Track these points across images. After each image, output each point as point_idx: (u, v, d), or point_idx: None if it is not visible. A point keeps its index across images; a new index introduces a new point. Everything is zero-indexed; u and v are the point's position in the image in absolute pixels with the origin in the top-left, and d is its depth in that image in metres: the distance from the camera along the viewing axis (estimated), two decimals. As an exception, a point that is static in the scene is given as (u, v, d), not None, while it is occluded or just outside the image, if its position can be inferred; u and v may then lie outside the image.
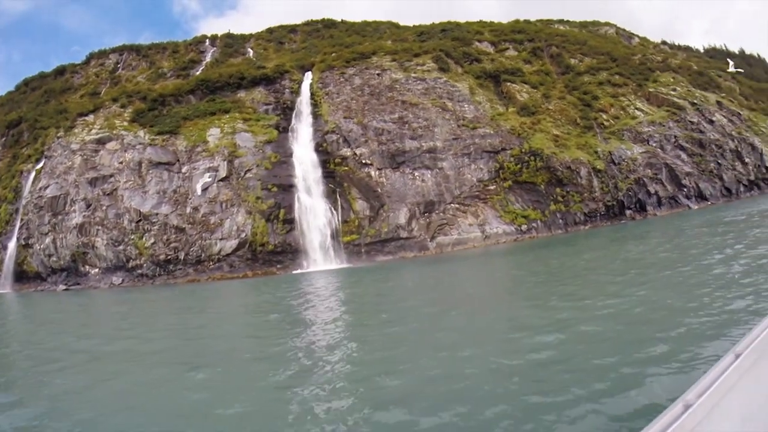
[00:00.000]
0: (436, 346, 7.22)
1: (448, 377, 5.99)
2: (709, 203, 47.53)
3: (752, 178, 51.89)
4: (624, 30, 73.62)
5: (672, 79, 58.35)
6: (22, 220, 45.71)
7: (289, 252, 36.52)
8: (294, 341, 9.24)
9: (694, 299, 6.77)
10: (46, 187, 45.23)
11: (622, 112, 50.93)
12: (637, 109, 52.06)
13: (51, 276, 43.11)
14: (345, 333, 9.90)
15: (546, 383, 5.41)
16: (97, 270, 42.54)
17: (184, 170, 41.35)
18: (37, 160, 50.16)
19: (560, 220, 42.58)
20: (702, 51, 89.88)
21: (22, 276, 44.63)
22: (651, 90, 54.85)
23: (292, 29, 69.18)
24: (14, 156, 56.55)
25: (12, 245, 45.94)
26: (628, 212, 46.16)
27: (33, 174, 48.77)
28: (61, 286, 41.63)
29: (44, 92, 72.20)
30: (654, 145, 49.10)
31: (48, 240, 43.52)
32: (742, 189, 51.06)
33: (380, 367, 6.63)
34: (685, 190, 48.39)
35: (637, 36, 73.49)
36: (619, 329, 6.23)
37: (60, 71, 75.68)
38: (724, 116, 55.22)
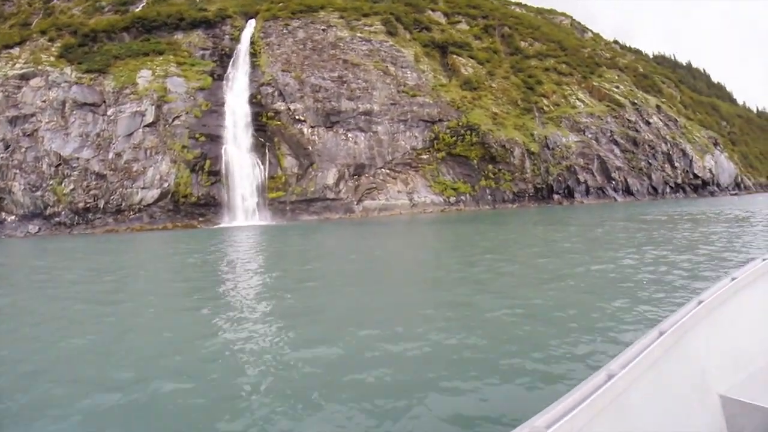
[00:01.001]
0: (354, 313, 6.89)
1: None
2: (635, 199, 50.29)
3: (679, 181, 55.10)
4: (579, 23, 75.16)
5: (617, 77, 60.53)
6: (-68, 159, 42.46)
7: (212, 205, 35.85)
8: (208, 293, 9.00)
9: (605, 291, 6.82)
10: (-39, 124, 42.04)
11: (563, 100, 52.43)
12: (578, 99, 53.73)
13: (-37, 220, 40.46)
14: (260, 288, 9.77)
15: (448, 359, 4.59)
16: (13, 217, 40.14)
17: (109, 113, 39.36)
18: (-48, 93, 46.37)
19: (489, 196, 43.87)
20: (651, 56, 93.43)
21: (-71, 218, 41.69)
22: (595, 83, 56.67)
23: None
24: (-71, 85, 52.02)
25: None
26: (556, 197, 48.12)
27: (-52, 108, 45.21)
28: (-27, 234, 39.19)
29: (-30, 19, 66.17)
30: (590, 136, 51.02)
31: (-40, 182, 40.70)
32: (668, 190, 54.18)
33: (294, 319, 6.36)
34: (614, 183, 50.82)
35: (591, 31, 75.28)
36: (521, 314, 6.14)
37: (-11, -3, 69.42)
38: (661, 120, 58.03)
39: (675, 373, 1.70)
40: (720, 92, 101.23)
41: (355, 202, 37.56)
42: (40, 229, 38.66)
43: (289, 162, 36.98)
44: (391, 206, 38.63)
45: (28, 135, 40.77)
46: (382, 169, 39.04)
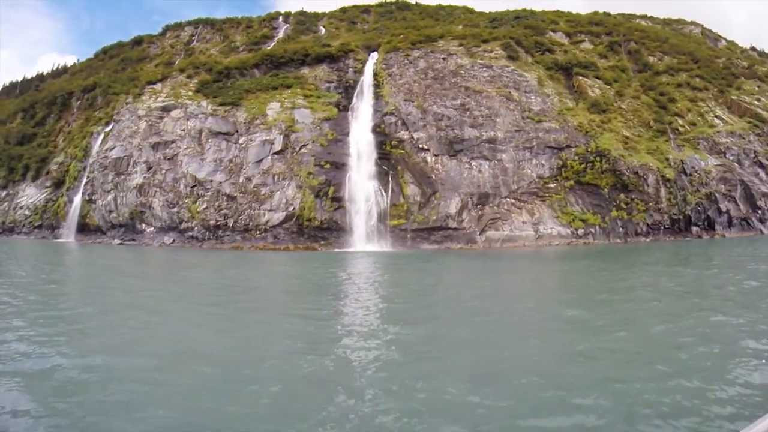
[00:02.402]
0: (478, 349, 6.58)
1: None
2: None
3: None
4: (710, 31, 67.79)
5: (757, 88, 53.20)
6: (88, 177, 48.47)
7: (334, 229, 36.26)
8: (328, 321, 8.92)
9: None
10: (112, 149, 47.57)
11: (699, 118, 46.89)
12: (716, 116, 47.81)
13: (110, 230, 45.45)
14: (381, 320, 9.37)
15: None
16: (152, 229, 44.44)
17: (241, 141, 42.03)
18: (107, 123, 52.96)
19: (620, 229, 39.79)
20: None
21: (84, 228, 47.46)
22: (733, 97, 50.21)
23: (366, 9, 68.64)
24: (87, 118, 60.11)
25: (77, 199, 49.00)
26: (694, 229, 42.58)
27: (102, 136, 51.66)
28: (117, 241, 43.86)
29: (121, 60, 76.14)
30: (731, 158, 44.98)
31: (110, 197, 45.82)
32: None
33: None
34: (760, 212, 44.17)
35: (725, 39, 67.46)
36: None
37: (137, 41, 79.58)
38: None
39: None
40: None
41: (478, 233, 35.84)
42: (174, 240, 42.07)
43: (411, 190, 36.44)
44: (515, 237, 36.33)
45: (168, 159, 44.89)
46: (507, 199, 37.02)
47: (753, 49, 76.09)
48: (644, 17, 65.18)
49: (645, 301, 10.33)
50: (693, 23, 67.76)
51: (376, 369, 6.21)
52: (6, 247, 34.43)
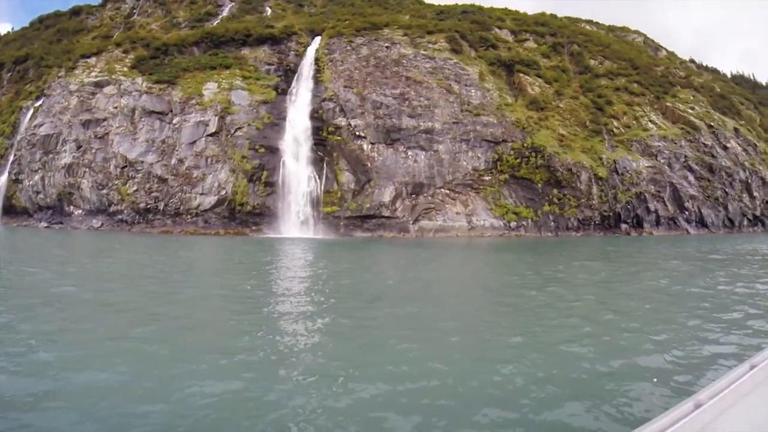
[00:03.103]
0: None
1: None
2: (709, 231, 45.82)
3: (758, 213, 50.11)
4: (652, 41, 70.96)
5: (692, 97, 56.20)
6: (15, 155, 45.49)
7: (266, 215, 35.55)
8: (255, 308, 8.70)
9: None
10: (41, 125, 44.85)
11: (634, 122, 49.01)
12: (650, 121, 50.08)
13: (37, 213, 42.88)
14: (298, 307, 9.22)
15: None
16: (80, 211, 42.33)
17: (175, 121, 40.41)
18: (37, 98, 49.83)
19: (552, 223, 41.08)
20: (729, 76, 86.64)
21: (10, 210, 44.57)
22: (668, 104, 52.75)
23: None
24: (17, 92, 56.22)
25: (3, 179, 45.92)
26: (623, 226, 44.51)
27: (31, 111, 48.57)
28: (43, 224, 41.42)
29: (57, 31, 71.49)
30: (662, 161, 47.22)
31: (37, 177, 43.21)
32: (745, 222, 49.40)
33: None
34: (687, 213, 46.64)
35: (665, 49, 70.80)
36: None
37: (76, 11, 74.82)
38: (739, 144, 53.13)
39: (764, 407, 1.59)
40: None
41: (411, 222, 36.04)
42: (102, 224, 40.29)
43: (346, 177, 36.16)
44: (448, 228, 36.79)
45: (99, 137, 42.76)
46: (442, 189, 37.39)
47: (692, 61, 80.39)
48: (590, 22, 67.39)
49: (556, 297, 10.52)
50: (637, 32, 70.67)
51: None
52: None
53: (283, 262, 18.17)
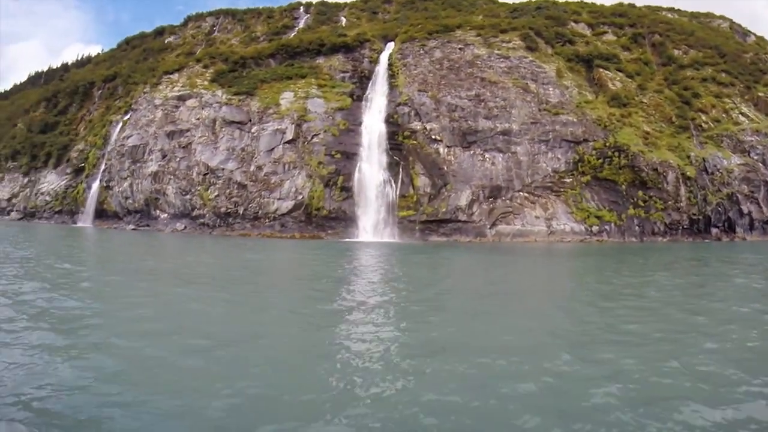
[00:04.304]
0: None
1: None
2: None
3: None
4: (739, 26, 65.00)
5: (786, 85, 50.76)
6: (106, 164, 49.45)
7: (342, 219, 36.02)
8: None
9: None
10: (129, 137, 48.41)
11: (724, 115, 45.04)
12: (741, 114, 45.84)
13: (126, 216, 46.31)
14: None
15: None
16: (165, 215, 45.23)
17: (253, 130, 42.11)
18: (126, 112, 53.90)
19: (636, 227, 38.51)
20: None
21: (102, 213, 48.51)
22: (760, 94, 48.04)
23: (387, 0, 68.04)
24: (107, 107, 61.30)
25: (96, 186, 50.09)
26: (714, 230, 40.96)
27: (120, 124, 52.66)
28: (131, 226, 44.63)
29: (143, 51, 77.35)
30: (755, 157, 43.10)
31: (126, 184, 46.64)
32: None
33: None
34: (783, 216, 42.13)
35: (754, 34, 64.64)
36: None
37: (159, 32, 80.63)
38: None
39: None
40: None
41: (488, 226, 35.11)
42: (185, 227, 42.72)
43: (422, 181, 35.90)
44: (526, 232, 35.48)
45: (183, 147, 45.48)
46: (520, 193, 36.15)
47: (786, 45, 72.91)
48: (671, 10, 62.84)
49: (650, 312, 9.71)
50: (722, 17, 65.10)
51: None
52: (26, 234, 35.29)
53: (356, 266, 18.12)
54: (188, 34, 72.34)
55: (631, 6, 58.02)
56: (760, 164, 43.20)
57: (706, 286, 13.99)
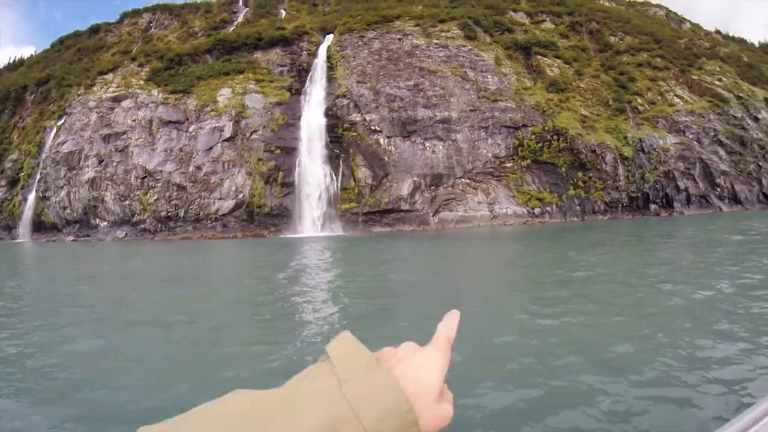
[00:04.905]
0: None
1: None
2: (743, 208, 43.20)
3: None
4: (675, 14, 67.85)
5: (718, 68, 53.30)
6: (41, 173, 46.77)
7: (284, 216, 35.29)
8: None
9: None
10: (64, 143, 46.03)
11: (659, 97, 46.74)
12: (676, 96, 47.70)
13: (65, 227, 43.95)
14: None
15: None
16: (105, 223, 43.30)
17: (191, 129, 40.71)
18: (59, 117, 51.15)
19: (577, 207, 39.47)
20: (757, 45, 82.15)
21: (40, 227, 45.84)
22: (694, 77, 50.15)
23: None
24: (41, 112, 57.86)
25: (32, 197, 47.27)
26: (652, 207, 42.42)
27: (54, 130, 49.86)
28: (71, 237, 42.39)
29: (77, 50, 73.39)
30: (690, 137, 44.90)
31: (63, 193, 44.30)
32: None
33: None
34: (719, 190, 44.13)
35: (689, 21, 67.63)
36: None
37: (94, 30, 76.63)
38: None
39: None
40: None
41: (431, 214, 35.14)
42: (126, 234, 40.99)
43: (363, 173, 35.54)
44: (469, 218, 35.73)
45: (120, 151, 43.68)
46: (462, 179, 36.35)
47: (718, 32, 76.47)
48: (609, -1, 65.00)
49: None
50: (658, 6, 67.80)
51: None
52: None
53: (288, 264, 17.55)
54: (124, 31, 69.24)
55: (570, -5, 59.51)
56: (695, 143, 45.00)
57: (613, 265, 14.14)
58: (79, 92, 50.35)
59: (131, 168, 42.34)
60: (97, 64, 58.06)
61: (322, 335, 6.33)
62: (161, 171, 40.72)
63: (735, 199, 43.91)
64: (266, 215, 35.46)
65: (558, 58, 45.35)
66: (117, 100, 46.79)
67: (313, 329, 6.89)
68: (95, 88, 50.02)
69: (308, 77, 42.08)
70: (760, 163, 45.74)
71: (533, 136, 38.87)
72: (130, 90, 47.02)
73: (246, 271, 15.87)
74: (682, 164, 43.63)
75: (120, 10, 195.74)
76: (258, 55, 45.64)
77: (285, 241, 29.74)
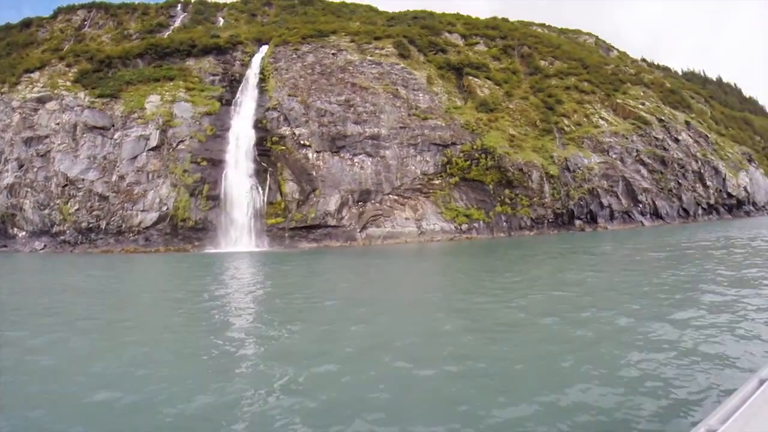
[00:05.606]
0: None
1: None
2: (664, 222, 46.51)
3: (712, 201, 51.05)
4: (604, 42, 72.33)
5: (642, 93, 57.32)
6: (-43, 176, 43.64)
7: (209, 230, 34.68)
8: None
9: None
10: (-17, 144, 43.25)
11: (585, 119, 49.58)
12: (601, 118, 50.77)
13: (-18, 237, 41.13)
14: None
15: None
16: (24, 233, 41.00)
17: (116, 136, 39.29)
18: (-19, 115, 47.87)
19: (504, 223, 41.11)
20: (680, 73, 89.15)
21: (-45, 234, 42.62)
22: (619, 101, 53.61)
23: (268, 2, 66.11)
24: (-39, 109, 54.05)
25: (-55, 202, 43.91)
26: (577, 222, 44.74)
27: (-26, 129, 46.62)
28: (-17, 248, 39.79)
29: (7, 44, 68.92)
30: (614, 156, 47.83)
31: (-21, 199, 41.58)
32: (700, 212, 50.15)
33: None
34: (641, 206, 47.20)
35: (617, 49, 72.30)
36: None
37: (26, 24, 72.24)
38: (690, 136, 54.33)
39: None
40: (753, 106, 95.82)
41: (359, 230, 35.61)
42: (45, 245, 38.99)
43: (290, 187, 35.54)
44: (397, 234, 36.48)
45: (41, 156, 41.63)
46: (390, 195, 37.08)
47: (644, 60, 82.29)
48: (542, 25, 68.39)
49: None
50: (589, 34, 72.02)
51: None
52: None
53: (204, 282, 17.46)
54: (57, 28, 65.79)
55: (504, 20, 62.30)
56: (618, 162, 47.96)
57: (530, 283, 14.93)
58: (2, 90, 47.58)
59: (52, 175, 40.39)
60: (25, 61, 54.91)
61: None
62: (83, 179, 39.06)
63: (656, 215, 47.08)
64: (190, 229, 34.71)
65: (489, 79, 47.24)
66: (42, 101, 44.53)
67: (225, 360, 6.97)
68: (20, 87, 47.40)
69: (240, 88, 41.63)
70: (680, 181, 49.47)
71: (462, 154, 40.23)
72: (56, 91, 44.86)
73: (161, 294, 15.51)
74: (605, 182, 46.32)
75: (56, 3, 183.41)
76: (190, 62, 44.70)
77: (209, 256, 29.23)
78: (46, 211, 39.93)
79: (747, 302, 8.81)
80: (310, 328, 8.92)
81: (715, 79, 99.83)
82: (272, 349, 7.51)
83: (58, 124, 42.67)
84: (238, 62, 44.17)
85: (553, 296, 11.33)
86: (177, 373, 6.31)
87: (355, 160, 36.80)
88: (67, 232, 38.73)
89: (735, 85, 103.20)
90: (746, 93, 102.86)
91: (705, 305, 8.84)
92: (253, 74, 41.83)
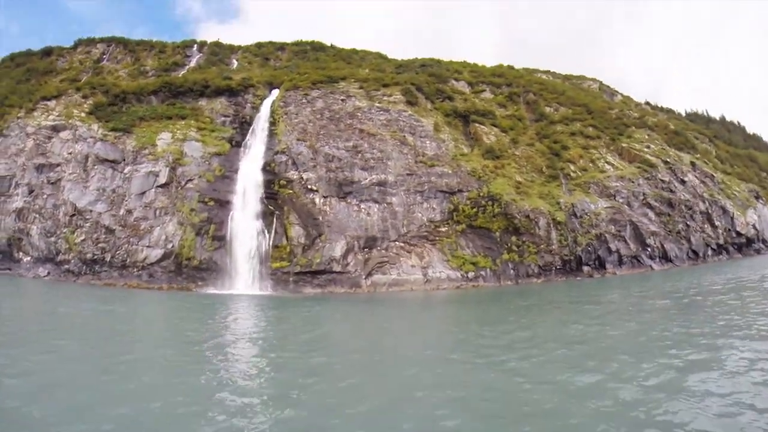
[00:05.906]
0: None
1: None
2: (674, 265, 46.02)
3: (721, 242, 50.63)
4: (608, 86, 73.56)
5: (647, 136, 57.80)
6: (-33, 196, 44.22)
7: (213, 270, 34.60)
8: None
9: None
10: (-4, 166, 44.04)
11: (591, 164, 49.89)
12: (607, 162, 51.08)
13: (-13, 258, 41.36)
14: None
15: None
16: (29, 258, 41.31)
17: (126, 171, 39.78)
18: (-4, 138, 48.84)
19: (512, 271, 40.82)
20: (684, 114, 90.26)
21: (-36, 255, 42.89)
22: (624, 145, 54.04)
23: (281, 47, 68.21)
24: (-21, 131, 55.07)
25: (-46, 221, 44.34)
26: (585, 269, 44.34)
27: (-12, 150, 47.47)
28: (-13, 271, 39.96)
29: (27, 70, 70.68)
30: (621, 201, 47.79)
31: (-13, 220, 42.04)
32: (709, 252, 49.62)
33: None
34: (649, 249, 46.80)
35: (621, 94, 73.42)
36: None
37: (47, 52, 74.28)
38: (696, 177, 54.43)
39: None
40: (757, 143, 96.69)
41: (364, 276, 35.45)
42: (49, 273, 39.11)
43: (296, 231, 35.62)
44: (402, 281, 36.27)
45: (52, 183, 42.24)
46: (396, 242, 37.05)
47: (647, 103, 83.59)
48: (547, 72, 69.86)
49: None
50: (593, 79, 73.36)
51: None
52: None
53: (204, 328, 17.23)
54: (76, 58, 67.56)
55: (510, 68, 63.67)
56: (626, 206, 47.90)
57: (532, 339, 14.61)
58: (19, 115, 48.74)
59: (61, 203, 40.85)
60: (43, 88, 56.24)
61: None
62: (91, 211, 39.37)
63: (665, 258, 46.57)
64: (194, 268, 34.66)
65: (495, 126, 47.86)
66: (56, 129, 45.46)
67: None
68: (36, 113, 48.53)
69: (250, 130, 42.33)
70: (688, 223, 49.22)
71: (468, 202, 40.36)
72: (70, 121, 45.81)
73: (163, 337, 15.33)
74: (613, 227, 46.16)
75: (78, 34, 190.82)
76: (203, 102, 45.65)
77: (211, 297, 29.15)
78: (53, 239, 40.18)
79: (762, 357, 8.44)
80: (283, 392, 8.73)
81: (718, 118, 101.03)
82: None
83: (70, 153, 43.36)
84: (249, 105, 45.06)
85: (556, 356, 11.14)
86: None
87: (362, 207, 36.97)
88: (72, 261, 38.82)
89: (738, 122, 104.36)
90: (750, 130, 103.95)
91: (715, 365, 8.59)
92: (263, 117, 42.59)
